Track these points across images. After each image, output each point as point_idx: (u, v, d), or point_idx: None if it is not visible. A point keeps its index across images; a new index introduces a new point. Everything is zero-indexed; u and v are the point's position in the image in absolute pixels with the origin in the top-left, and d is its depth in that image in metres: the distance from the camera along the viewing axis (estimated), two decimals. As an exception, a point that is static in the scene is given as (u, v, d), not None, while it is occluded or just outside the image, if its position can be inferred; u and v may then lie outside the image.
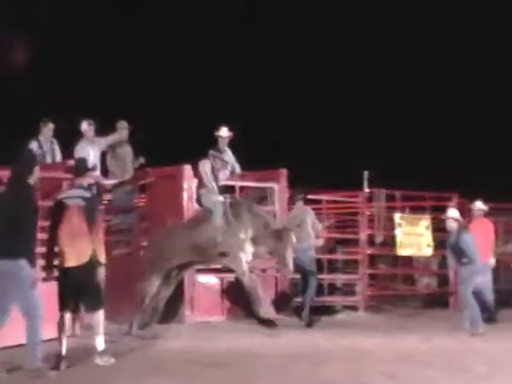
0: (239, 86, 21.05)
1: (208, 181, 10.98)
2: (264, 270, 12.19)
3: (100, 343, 8.13)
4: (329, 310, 12.73)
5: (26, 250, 7.56)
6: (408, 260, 14.01)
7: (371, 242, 13.43)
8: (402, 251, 13.41)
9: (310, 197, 12.72)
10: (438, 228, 13.13)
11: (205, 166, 11.08)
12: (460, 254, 11.14)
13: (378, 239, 13.66)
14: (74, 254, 8.03)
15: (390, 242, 13.49)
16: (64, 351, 8.00)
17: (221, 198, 10.91)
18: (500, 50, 21.68)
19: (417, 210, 13.92)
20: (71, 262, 8.06)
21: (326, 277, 13.00)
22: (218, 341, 9.84)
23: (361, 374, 7.91)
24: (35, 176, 7.97)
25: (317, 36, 22.56)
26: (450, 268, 11.51)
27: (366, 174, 13.31)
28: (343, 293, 13.41)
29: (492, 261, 12.35)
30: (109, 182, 11.95)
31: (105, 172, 12.15)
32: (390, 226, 13.49)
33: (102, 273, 8.29)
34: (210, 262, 11.06)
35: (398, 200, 14.02)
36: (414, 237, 13.43)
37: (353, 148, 19.60)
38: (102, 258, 8.17)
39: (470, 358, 8.89)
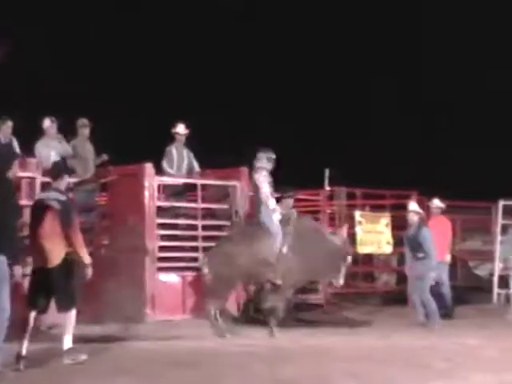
0: (199, 83, 21.05)
1: (267, 196, 10.60)
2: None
3: (67, 342, 8.12)
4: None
5: (6, 245, 7.49)
6: (368, 258, 14.13)
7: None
8: (363, 249, 13.55)
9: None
10: (398, 226, 13.30)
11: (265, 178, 10.72)
12: (417, 248, 11.36)
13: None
14: (45, 256, 8.05)
15: (351, 239, 13.56)
16: (24, 351, 7.95)
17: (278, 216, 10.59)
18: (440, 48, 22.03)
19: (377, 207, 14.06)
20: (41, 262, 8.07)
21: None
22: (181, 339, 9.85)
23: (322, 373, 7.97)
24: (14, 171, 7.92)
25: (283, 36, 22.65)
26: (406, 263, 11.70)
27: (326, 172, 13.39)
28: (306, 291, 13.42)
29: (448, 257, 12.59)
30: (70, 181, 11.84)
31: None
32: (351, 223, 13.56)
33: (88, 273, 8.24)
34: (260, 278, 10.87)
35: (359, 198, 14.15)
36: (374, 234, 13.57)
37: (314, 146, 19.75)
38: (86, 259, 8.18)
39: (428, 355, 9.03)
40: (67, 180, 8.65)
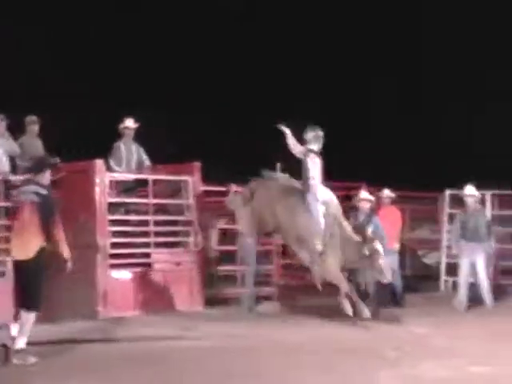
0: (150, 78, 20.98)
1: (315, 184, 10.63)
2: (178, 264, 12.27)
3: (20, 343, 8.12)
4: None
5: None
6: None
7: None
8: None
9: (222, 189, 12.91)
10: (348, 216, 13.43)
11: (314, 164, 10.71)
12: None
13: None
14: (21, 248, 8.13)
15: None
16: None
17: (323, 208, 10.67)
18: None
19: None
20: (18, 255, 8.17)
21: (239, 268, 13.13)
22: (134, 336, 9.86)
23: (279, 366, 8.10)
24: None
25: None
26: None
27: (278, 166, 13.44)
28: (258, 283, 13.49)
29: (396, 246, 12.83)
30: (18, 178, 11.74)
31: (14, 168, 11.93)
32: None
33: (69, 266, 8.39)
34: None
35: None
36: (323, 227, 13.65)
37: (266, 140, 19.77)
38: (66, 253, 8.31)
39: (378, 344, 9.30)
40: (49, 175, 8.64)
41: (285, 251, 13.62)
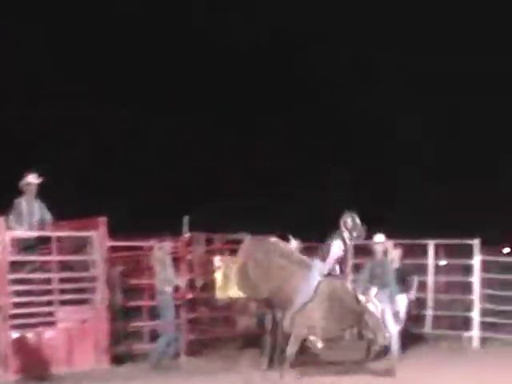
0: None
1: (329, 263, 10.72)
2: (84, 321, 12.04)
3: None
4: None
5: None
6: (228, 302, 14.18)
7: (192, 286, 13.52)
8: (222, 294, 13.63)
9: (130, 245, 12.83)
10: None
11: (337, 250, 10.83)
12: None
13: (199, 283, 13.78)
14: None
15: (211, 285, 13.64)
16: None
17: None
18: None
19: (236, 252, 14.15)
20: None
21: (146, 324, 12.98)
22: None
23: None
24: None
25: None
26: None
27: (185, 219, 13.47)
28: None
29: None
30: None
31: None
32: (211, 269, 13.65)
33: None
34: None
35: (218, 243, 14.24)
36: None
37: (172, 193, 19.85)
38: None
39: None
40: None
41: (193, 305, 13.56)
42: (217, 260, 13.67)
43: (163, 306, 12.32)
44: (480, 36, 29.75)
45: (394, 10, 28.94)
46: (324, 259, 10.99)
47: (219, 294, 13.59)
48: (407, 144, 32.99)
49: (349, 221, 10.86)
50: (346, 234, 10.89)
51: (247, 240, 11.83)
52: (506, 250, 17.45)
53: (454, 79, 31.00)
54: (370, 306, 10.90)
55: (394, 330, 12.56)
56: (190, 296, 13.32)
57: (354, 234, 10.92)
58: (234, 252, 14.18)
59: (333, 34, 27.82)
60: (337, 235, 10.91)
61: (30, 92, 19.47)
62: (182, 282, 12.70)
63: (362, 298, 10.99)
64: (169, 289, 12.28)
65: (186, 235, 13.44)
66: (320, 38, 28.36)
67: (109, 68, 21.34)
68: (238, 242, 14.24)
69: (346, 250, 11.11)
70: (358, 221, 10.92)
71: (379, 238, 12.99)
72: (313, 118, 29.65)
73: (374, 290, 12.48)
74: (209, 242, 14.12)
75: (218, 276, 13.57)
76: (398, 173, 32.20)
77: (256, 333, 13.75)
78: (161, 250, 12.41)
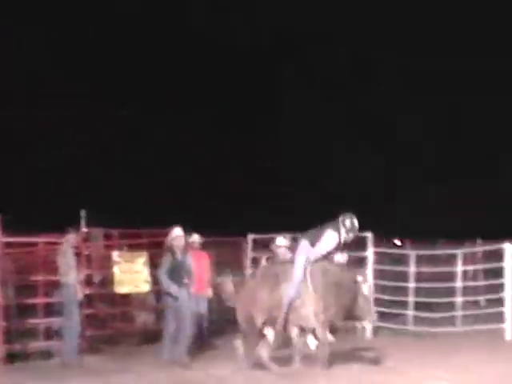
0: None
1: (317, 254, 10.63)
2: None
3: None
4: (46, 355, 12.61)
5: None
6: (126, 297, 14.14)
7: (89, 281, 13.49)
8: (120, 289, 13.60)
9: (27, 241, 12.87)
10: (156, 264, 13.42)
11: (331, 241, 10.68)
12: (181, 274, 11.60)
13: (97, 278, 13.76)
14: None
15: (109, 280, 13.61)
16: None
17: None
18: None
19: (134, 247, 14.13)
20: None
21: (41, 321, 12.91)
22: None
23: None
24: None
25: None
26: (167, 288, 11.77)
27: (83, 213, 13.46)
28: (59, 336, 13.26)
29: (209, 291, 12.81)
30: None
31: None
32: (109, 264, 13.62)
33: None
34: None
35: (116, 238, 14.22)
36: (131, 274, 13.64)
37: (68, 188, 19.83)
38: None
39: None
40: None
41: (90, 301, 13.50)
42: (115, 255, 13.63)
43: (67, 301, 12.29)
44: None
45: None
46: (313, 244, 10.74)
47: (117, 289, 13.56)
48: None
49: (348, 222, 10.69)
50: (342, 231, 10.70)
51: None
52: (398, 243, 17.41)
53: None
54: (364, 288, 10.74)
55: None
56: (87, 291, 13.24)
57: (350, 235, 10.73)
58: (132, 247, 14.19)
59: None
60: (334, 228, 10.70)
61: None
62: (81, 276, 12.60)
63: (359, 278, 10.83)
64: (73, 281, 12.23)
65: (84, 230, 13.41)
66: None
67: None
68: (137, 236, 14.27)
69: (337, 246, 10.78)
70: (356, 224, 10.78)
71: (280, 241, 12.75)
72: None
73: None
74: (107, 237, 14.08)
75: (116, 271, 13.54)
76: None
77: (154, 328, 13.71)
78: (66, 243, 12.38)
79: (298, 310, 10.63)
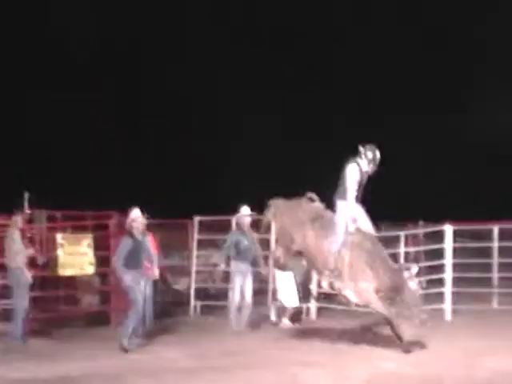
0: None
1: (350, 192, 10.23)
2: None
3: None
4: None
5: None
6: (71, 280, 14.04)
7: (33, 264, 13.32)
8: (65, 271, 13.49)
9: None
10: (100, 246, 13.36)
11: (354, 172, 10.26)
12: (140, 256, 11.57)
13: (41, 261, 13.59)
14: None
15: (53, 263, 13.48)
16: None
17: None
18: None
19: (78, 229, 14.02)
20: None
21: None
22: None
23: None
24: None
25: None
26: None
27: (26, 195, 13.32)
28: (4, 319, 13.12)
29: (156, 273, 12.81)
30: None
31: None
32: (52, 246, 13.50)
33: None
34: None
35: (59, 220, 14.10)
36: (76, 256, 13.54)
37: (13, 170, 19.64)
38: None
39: (130, 373, 9.39)
40: None
41: (36, 283, 13.33)
42: (59, 237, 13.51)
43: (16, 284, 12.13)
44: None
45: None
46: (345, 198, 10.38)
47: (61, 272, 13.45)
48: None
49: (370, 153, 10.34)
50: (363, 163, 10.36)
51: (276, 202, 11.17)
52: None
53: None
54: (411, 284, 10.40)
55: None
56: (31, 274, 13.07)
57: (372, 166, 10.34)
58: (76, 229, 14.08)
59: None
60: (353, 161, 10.36)
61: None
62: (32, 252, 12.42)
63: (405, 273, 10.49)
64: (21, 264, 12.06)
65: (27, 211, 13.25)
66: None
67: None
68: (81, 218, 14.17)
69: (361, 181, 10.39)
70: (378, 155, 10.39)
71: (245, 210, 12.85)
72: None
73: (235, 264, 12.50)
74: (50, 219, 13.95)
75: (60, 253, 13.43)
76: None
77: (99, 310, 13.64)
78: (13, 225, 12.22)
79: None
